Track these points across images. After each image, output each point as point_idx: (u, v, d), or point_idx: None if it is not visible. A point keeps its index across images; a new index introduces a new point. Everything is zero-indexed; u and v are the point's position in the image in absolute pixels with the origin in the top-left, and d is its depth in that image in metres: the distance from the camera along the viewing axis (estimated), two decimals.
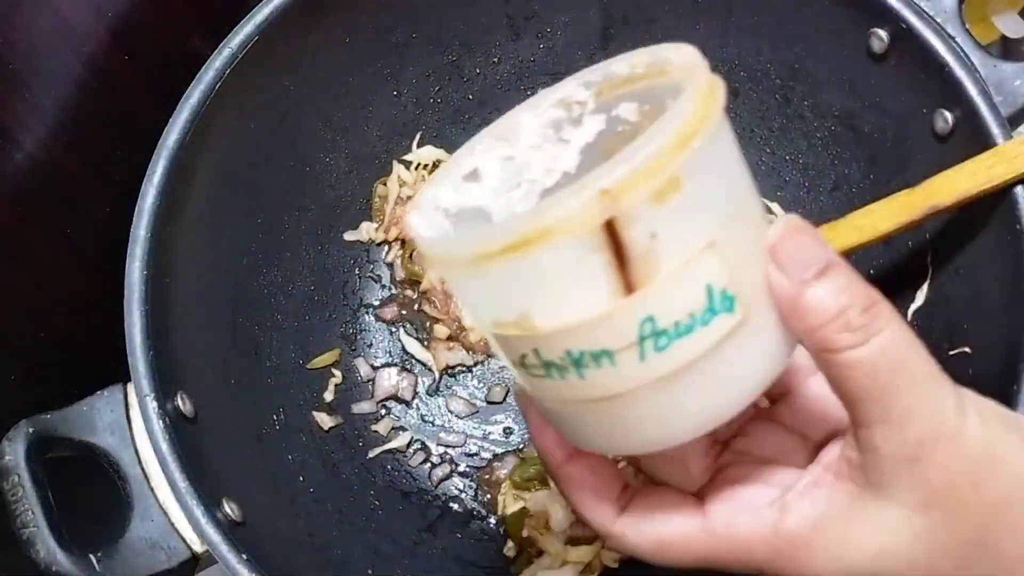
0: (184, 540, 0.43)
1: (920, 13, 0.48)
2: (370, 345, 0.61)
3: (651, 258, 0.28)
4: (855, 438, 0.31)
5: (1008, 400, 0.43)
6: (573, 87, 0.35)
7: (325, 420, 0.57)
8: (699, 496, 0.35)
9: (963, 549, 0.31)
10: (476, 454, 0.59)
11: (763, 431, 0.37)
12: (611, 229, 0.28)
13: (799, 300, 0.30)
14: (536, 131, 0.36)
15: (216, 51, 0.49)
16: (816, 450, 0.35)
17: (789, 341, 0.32)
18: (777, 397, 0.38)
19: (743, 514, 0.33)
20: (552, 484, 0.55)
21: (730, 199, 0.30)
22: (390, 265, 0.62)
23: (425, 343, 0.60)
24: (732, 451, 0.38)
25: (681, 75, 0.32)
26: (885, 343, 0.30)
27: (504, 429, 0.59)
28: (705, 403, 0.31)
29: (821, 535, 0.32)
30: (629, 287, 0.29)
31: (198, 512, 0.42)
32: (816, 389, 0.37)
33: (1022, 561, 0.31)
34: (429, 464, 0.58)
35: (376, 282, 0.62)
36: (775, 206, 0.60)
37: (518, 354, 0.32)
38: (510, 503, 0.56)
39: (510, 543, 0.56)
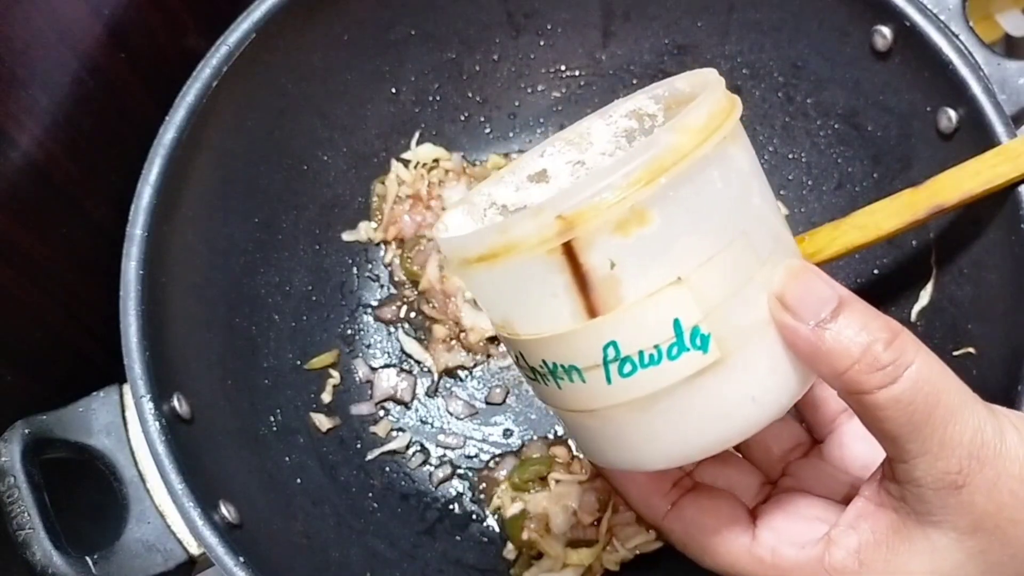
0: (181, 542, 0.43)
1: (924, 11, 0.48)
2: (368, 346, 0.61)
3: (613, 285, 0.29)
4: (893, 471, 0.31)
5: (1012, 401, 0.42)
6: (644, 99, 0.36)
7: (323, 421, 0.57)
8: (753, 513, 0.36)
9: (1018, 565, 0.31)
10: (476, 456, 0.58)
11: (812, 469, 0.37)
12: (571, 253, 0.29)
13: (820, 344, 0.30)
14: (608, 139, 0.36)
15: (213, 48, 0.49)
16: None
17: (787, 389, 0.32)
18: (824, 437, 0.38)
19: (789, 547, 0.33)
20: (552, 486, 0.55)
21: (716, 237, 0.29)
22: (388, 265, 0.61)
23: (424, 344, 0.60)
24: (783, 486, 0.37)
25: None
26: (917, 377, 0.29)
27: (504, 431, 0.59)
28: (677, 437, 0.31)
29: (867, 568, 0.32)
30: (592, 311, 0.29)
31: (195, 514, 0.42)
32: (859, 428, 0.36)
33: None
34: (428, 466, 0.58)
35: (375, 282, 0.62)
36: (778, 204, 0.60)
37: (513, 355, 0.33)
38: (509, 505, 0.56)
39: (510, 545, 0.55)
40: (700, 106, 0.29)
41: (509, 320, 0.31)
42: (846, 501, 0.35)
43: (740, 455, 0.39)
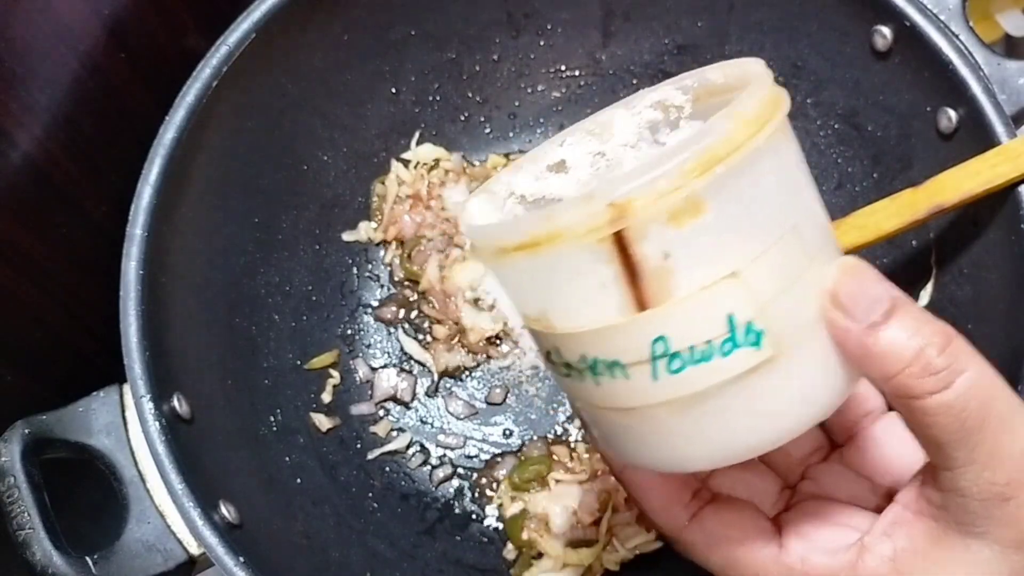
0: (181, 542, 0.43)
1: (924, 11, 0.48)
2: (368, 346, 0.61)
3: (665, 277, 0.28)
4: (936, 479, 0.30)
5: None
6: (670, 90, 0.35)
7: (323, 421, 0.57)
8: (775, 522, 0.35)
9: None
10: (476, 456, 0.58)
11: (833, 474, 0.37)
12: (622, 243, 0.27)
13: (872, 346, 0.29)
14: (632, 130, 0.35)
15: (213, 49, 0.49)
16: (886, 493, 0.35)
17: (836, 388, 0.31)
18: (845, 440, 0.37)
19: (820, 555, 0.33)
20: (552, 486, 0.55)
21: (768, 231, 0.28)
22: (388, 265, 0.61)
23: (424, 344, 0.60)
24: (803, 491, 0.37)
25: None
26: (970, 384, 0.28)
27: (504, 431, 0.59)
28: (724, 437, 0.30)
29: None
30: (641, 303, 0.28)
31: (195, 514, 0.42)
32: (883, 434, 0.36)
33: None
34: (428, 466, 0.58)
35: (375, 282, 0.62)
36: None
37: (545, 349, 0.31)
38: (509, 505, 0.56)
39: (510, 545, 0.55)
40: (751, 96, 0.29)
41: (546, 313, 0.30)
42: (869, 506, 0.34)
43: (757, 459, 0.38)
